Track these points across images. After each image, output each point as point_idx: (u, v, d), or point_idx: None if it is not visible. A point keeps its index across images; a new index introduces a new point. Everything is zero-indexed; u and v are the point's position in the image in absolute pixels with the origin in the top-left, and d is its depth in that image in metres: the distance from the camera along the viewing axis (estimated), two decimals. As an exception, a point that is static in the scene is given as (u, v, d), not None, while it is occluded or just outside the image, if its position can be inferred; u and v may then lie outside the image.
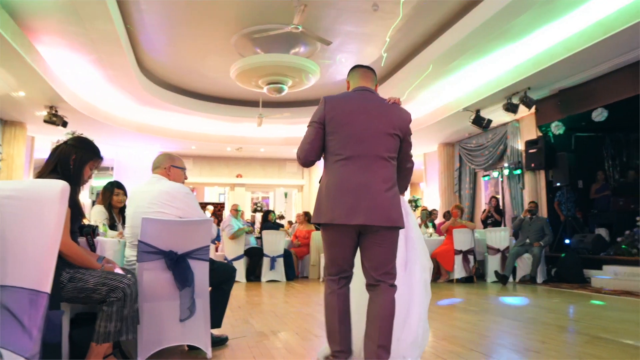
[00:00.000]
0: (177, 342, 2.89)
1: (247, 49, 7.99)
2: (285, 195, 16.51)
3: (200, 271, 3.01)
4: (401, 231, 2.58)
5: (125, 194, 4.51)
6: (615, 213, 8.19)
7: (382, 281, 2.38)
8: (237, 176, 13.72)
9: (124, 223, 4.46)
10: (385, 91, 9.18)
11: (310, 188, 14.06)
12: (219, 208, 16.01)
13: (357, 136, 2.40)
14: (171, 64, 8.77)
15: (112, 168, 12.94)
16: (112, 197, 4.40)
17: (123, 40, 6.86)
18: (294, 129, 11.92)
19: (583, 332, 3.64)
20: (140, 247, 2.84)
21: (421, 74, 8.13)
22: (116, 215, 4.46)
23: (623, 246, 7.02)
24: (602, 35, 5.96)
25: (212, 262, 3.35)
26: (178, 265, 2.90)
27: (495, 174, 10.21)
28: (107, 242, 3.13)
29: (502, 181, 10.19)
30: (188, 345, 3.14)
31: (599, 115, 7.34)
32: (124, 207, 4.53)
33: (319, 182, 2.55)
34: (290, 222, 11.36)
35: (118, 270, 2.61)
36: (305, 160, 2.53)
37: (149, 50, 8.18)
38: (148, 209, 2.94)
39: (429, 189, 13.10)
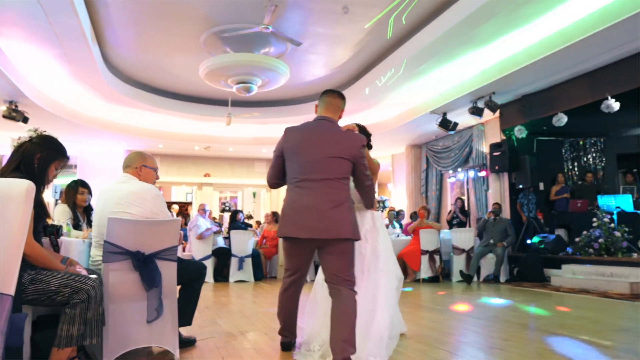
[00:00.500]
0: (144, 344, 2.85)
1: (217, 48, 7.91)
2: (254, 195, 16.39)
3: (168, 272, 2.98)
4: (369, 243, 3.20)
5: (90, 192, 4.41)
6: (573, 214, 8.53)
7: (342, 286, 2.69)
8: (205, 175, 13.55)
9: (88, 222, 4.38)
10: (354, 92, 9.27)
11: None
12: (185, 207, 15.79)
13: (308, 163, 2.77)
14: (138, 61, 8.59)
15: (75, 166, 12.57)
16: (77, 196, 4.29)
17: (88, 35, 6.68)
18: (263, 128, 11.87)
19: (543, 329, 3.78)
20: (106, 248, 2.79)
21: (390, 76, 8.24)
22: (80, 215, 4.36)
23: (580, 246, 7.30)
24: (562, 45, 6.20)
25: (181, 261, 3.32)
26: (145, 266, 2.87)
27: (460, 175, 10.45)
28: (72, 242, 3.05)
29: (467, 183, 10.44)
30: (156, 347, 3.10)
31: (559, 120, 7.63)
32: (89, 206, 4.43)
33: (284, 200, 2.92)
34: (258, 222, 11.30)
35: (82, 272, 2.56)
36: (269, 183, 3.05)
37: (115, 46, 7.99)
38: (115, 209, 2.89)
39: (397, 189, 13.27)
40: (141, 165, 3.15)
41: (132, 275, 2.83)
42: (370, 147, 3.67)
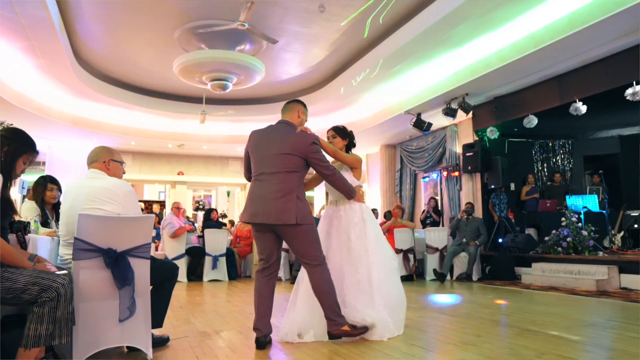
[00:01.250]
0: (116, 344, 2.78)
1: (191, 44, 7.80)
2: (228, 193, 16.27)
3: (141, 269, 2.92)
4: (359, 238, 3.53)
5: (59, 189, 4.29)
6: (542, 214, 8.74)
7: (306, 263, 3.24)
8: (178, 174, 13.34)
9: (57, 220, 4.25)
10: (329, 91, 9.29)
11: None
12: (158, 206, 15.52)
13: (262, 158, 3.26)
14: (111, 55, 8.39)
15: (43, 162, 12.21)
16: (45, 192, 4.17)
17: (58, 28, 6.49)
18: (237, 126, 11.77)
19: (514, 325, 3.86)
20: (76, 245, 2.71)
21: (365, 76, 8.27)
22: (49, 212, 4.23)
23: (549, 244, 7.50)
24: (532, 48, 6.36)
25: (154, 260, 3.25)
26: (117, 264, 2.80)
27: (434, 175, 10.58)
28: (40, 239, 2.96)
29: (440, 183, 10.58)
30: (127, 347, 3.04)
31: (529, 122, 7.81)
32: (58, 203, 4.30)
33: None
34: (232, 222, 11.19)
35: (52, 269, 2.48)
36: (245, 176, 3.52)
37: (86, 40, 7.79)
38: (85, 205, 2.81)
39: (371, 189, 13.35)
40: (109, 160, 3.08)
41: (104, 273, 2.76)
42: (353, 145, 4.05)
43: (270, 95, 10.42)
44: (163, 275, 3.33)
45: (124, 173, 3.19)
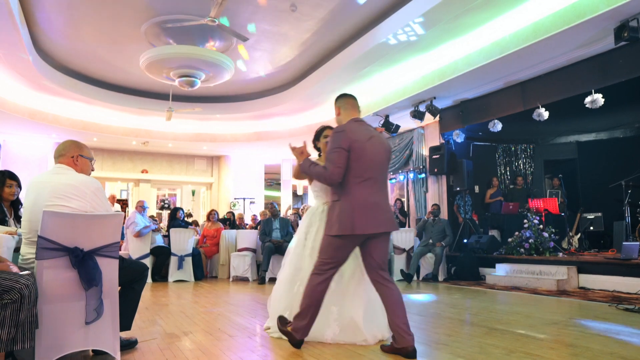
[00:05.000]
0: (82, 347, 2.66)
1: (159, 39, 7.63)
2: (193, 193, 15.97)
3: (109, 269, 2.81)
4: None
5: (18, 185, 4.08)
6: (505, 216, 8.99)
7: (386, 273, 3.06)
8: (142, 172, 13.00)
9: (16, 217, 4.05)
10: (297, 91, 9.26)
11: (219, 186, 13.73)
12: (121, 204, 15.08)
13: (373, 162, 2.98)
14: (72, 47, 8.10)
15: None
16: (4, 189, 3.94)
17: (17, 16, 6.21)
18: (204, 124, 11.59)
19: (482, 325, 3.93)
20: (40, 243, 2.58)
21: (334, 77, 8.29)
22: (7, 209, 4.01)
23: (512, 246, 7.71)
24: (498, 55, 6.54)
25: (122, 260, 3.14)
26: (84, 263, 2.68)
27: (401, 177, 10.72)
28: (-1, 238, 2.80)
29: (407, 184, 10.72)
30: (94, 350, 2.92)
31: (494, 126, 8.02)
32: (17, 200, 4.10)
33: (334, 200, 3.04)
34: (196, 222, 10.94)
35: (14, 269, 2.35)
36: (336, 178, 2.94)
37: (47, 30, 7.49)
38: (50, 202, 2.68)
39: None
40: (77, 155, 2.94)
41: (69, 273, 2.64)
42: None
43: (237, 94, 10.31)
44: (132, 276, 3.22)
45: (92, 170, 3.06)
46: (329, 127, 3.62)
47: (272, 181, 18.34)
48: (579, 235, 9.01)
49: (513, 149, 10.39)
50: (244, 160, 13.93)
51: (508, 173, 10.35)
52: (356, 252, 3.17)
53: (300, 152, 3.19)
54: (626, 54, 5.99)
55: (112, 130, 11.14)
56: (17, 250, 3.07)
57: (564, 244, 8.77)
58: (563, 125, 9.83)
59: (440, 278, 7.94)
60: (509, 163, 10.39)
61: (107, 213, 2.85)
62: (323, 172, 2.95)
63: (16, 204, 4.10)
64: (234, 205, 13.22)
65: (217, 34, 7.48)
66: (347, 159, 2.91)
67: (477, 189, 9.87)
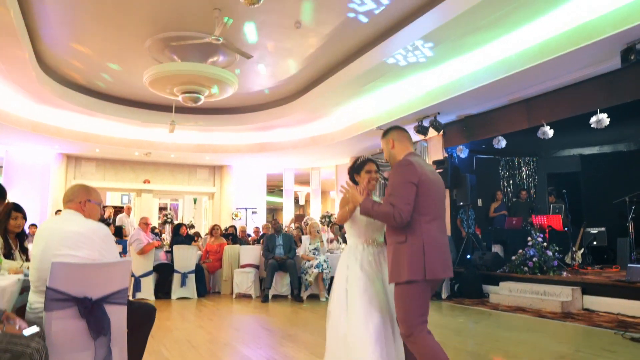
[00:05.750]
0: (90, 398, 2.64)
1: (163, 54, 7.60)
2: (195, 201, 15.97)
3: (118, 316, 2.78)
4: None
5: (24, 217, 4.05)
6: (509, 231, 8.97)
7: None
8: (144, 182, 12.97)
9: (21, 250, 4.03)
10: (301, 104, 9.23)
11: (221, 196, 13.71)
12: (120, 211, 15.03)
13: (440, 201, 2.78)
14: (76, 61, 8.07)
15: (0, 167, 11.66)
16: (9, 221, 3.92)
17: (20, 32, 6.19)
18: (207, 136, 11.57)
19: (488, 358, 3.91)
20: (49, 295, 2.55)
21: (337, 91, 8.27)
22: (12, 241, 3.99)
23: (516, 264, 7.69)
24: (504, 73, 6.52)
25: (131, 304, 3.13)
26: (93, 313, 2.65)
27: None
28: (3, 282, 2.77)
29: (410, 197, 10.70)
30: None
31: (498, 143, 8.00)
32: (22, 232, 4.07)
33: (399, 241, 2.68)
34: (198, 234, 10.89)
35: (23, 325, 2.32)
36: (407, 220, 2.61)
37: (50, 45, 7.46)
38: (59, 251, 2.65)
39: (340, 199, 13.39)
40: (85, 200, 2.91)
41: (78, 323, 2.61)
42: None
43: (241, 106, 10.28)
44: (140, 319, 3.18)
45: (102, 215, 3.05)
46: (371, 160, 3.25)
47: (274, 188, 18.33)
48: (582, 250, 8.99)
49: (516, 161, 10.37)
50: (246, 170, 13.92)
51: (511, 186, 10.33)
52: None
53: (359, 193, 2.81)
54: (633, 74, 5.98)
55: (114, 141, 11.12)
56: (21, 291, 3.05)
57: (567, 259, 8.76)
58: (566, 138, 9.80)
59: (444, 295, 7.91)
60: (512, 176, 10.37)
61: (115, 260, 2.83)
62: (391, 210, 2.59)
63: (22, 236, 4.08)
64: (236, 216, 13.20)
65: (220, 49, 7.45)
66: (415, 195, 2.63)
67: (480, 202, 9.85)
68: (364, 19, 6.44)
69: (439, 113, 8.30)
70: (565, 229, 8.99)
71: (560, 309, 6.31)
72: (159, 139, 11.39)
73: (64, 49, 7.57)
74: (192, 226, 12.08)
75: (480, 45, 6.50)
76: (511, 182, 10.34)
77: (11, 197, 11.32)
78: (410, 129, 8.87)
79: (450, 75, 7.46)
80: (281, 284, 7.92)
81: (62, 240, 2.69)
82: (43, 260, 2.66)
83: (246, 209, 13.08)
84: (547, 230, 8.29)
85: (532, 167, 10.36)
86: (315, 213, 13.79)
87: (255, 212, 13.27)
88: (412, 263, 2.61)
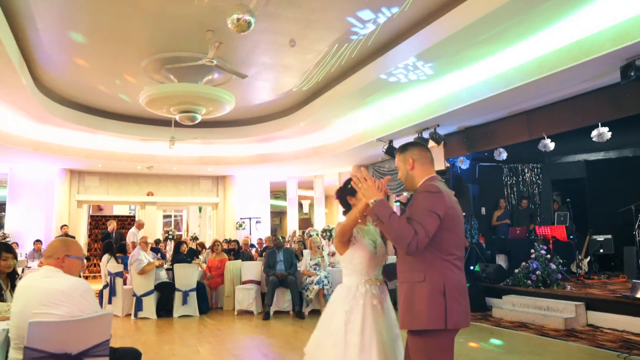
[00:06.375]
0: None
1: (159, 73, 7.59)
2: (200, 209, 16.00)
3: (99, 370, 2.77)
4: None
5: (15, 257, 4.05)
6: (513, 241, 8.85)
7: None
8: (147, 194, 13.01)
9: (12, 289, 4.02)
10: (301, 117, 9.17)
11: (225, 206, 13.71)
12: (127, 222, 15.11)
13: (462, 237, 2.43)
14: (74, 82, 8.10)
15: (5, 182, 11.78)
16: (0, 262, 3.92)
17: (15, 60, 6.21)
18: (208, 148, 11.57)
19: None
20: (26, 354, 2.54)
21: (337, 104, 8.21)
22: (3, 282, 3.99)
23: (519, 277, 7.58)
24: (503, 88, 6.41)
25: (114, 351, 3.11)
26: (73, 368, 2.64)
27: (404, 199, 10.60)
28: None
29: (413, 206, 10.61)
30: None
31: (500, 154, 7.89)
32: (13, 272, 4.07)
33: (416, 280, 2.30)
34: (202, 245, 10.88)
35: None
36: (419, 251, 2.23)
37: (48, 68, 7.49)
38: (37, 310, 2.63)
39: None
40: (64, 256, 2.88)
41: (59, 380, 2.60)
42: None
43: (241, 119, 10.26)
44: (124, 364, 3.19)
45: (83, 267, 3.02)
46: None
47: (280, 192, 18.30)
48: (588, 258, 8.85)
49: (520, 168, 10.23)
50: (249, 179, 13.91)
51: (515, 193, 10.20)
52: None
53: (376, 187, 2.35)
54: (635, 88, 5.84)
55: (116, 156, 11.16)
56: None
57: (573, 268, 8.64)
58: (571, 144, 9.65)
59: (447, 309, 7.82)
60: (516, 183, 10.23)
61: (95, 314, 2.81)
62: (410, 232, 2.18)
63: (12, 276, 4.08)
64: (240, 226, 13.19)
65: (215, 69, 7.42)
66: (437, 228, 2.27)
67: (483, 210, 9.74)
68: (359, 36, 6.38)
69: (438, 125, 8.20)
70: (571, 237, 8.87)
71: (564, 326, 6.20)
72: (161, 152, 11.41)
73: (62, 71, 7.60)
74: (195, 238, 12.09)
75: (478, 59, 6.40)
76: (515, 189, 10.20)
77: (16, 214, 11.45)
78: (407, 140, 8.78)
79: (449, 89, 7.37)
80: (282, 300, 7.89)
81: (41, 298, 2.67)
82: (22, 319, 2.65)
83: (250, 218, 13.07)
84: (551, 241, 8.16)
85: (536, 173, 10.21)
86: (319, 220, 13.76)
87: (260, 222, 13.25)
88: (432, 308, 2.23)
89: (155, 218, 13.37)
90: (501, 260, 8.92)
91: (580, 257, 8.78)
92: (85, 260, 3.02)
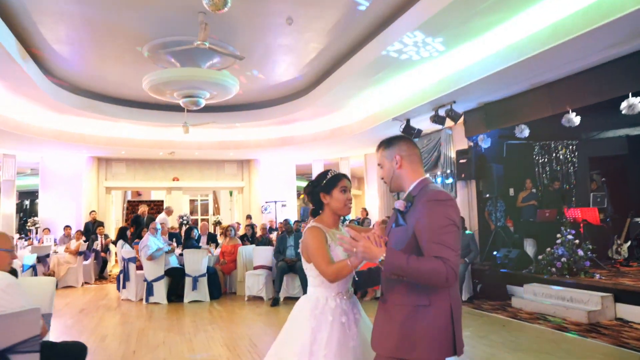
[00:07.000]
0: None
1: (161, 59, 7.48)
2: (231, 193, 16.09)
3: (28, 366, 2.66)
4: None
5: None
6: (542, 224, 8.20)
7: None
8: (173, 179, 13.15)
9: None
10: (312, 99, 8.85)
11: (250, 189, 13.66)
12: (158, 208, 15.37)
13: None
14: (86, 73, 8.18)
15: (33, 169, 12.25)
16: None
17: (13, 53, 6.26)
18: (228, 132, 11.49)
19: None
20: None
21: (347, 84, 7.81)
22: None
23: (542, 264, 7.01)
24: (516, 59, 5.82)
25: (53, 346, 3.01)
26: (-5, 365, 2.55)
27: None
28: None
29: (436, 188, 10.09)
30: None
31: (522, 132, 7.26)
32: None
33: (420, 304, 1.95)
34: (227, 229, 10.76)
35: None
36: (457, 278, 1.86)
37: (55, 60, 7.57)
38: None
39: (369, 189, 12.97)
40: (-11, 249, 2.79)
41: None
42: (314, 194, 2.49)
43: (256, 101, 10.06)
44: (67, 360, 3.08)
45: (13, 258, 2.92)
46: (345, 176, 2.47)
47: (308, 175, 18.10)
48: (628, 243, 8.08)
49: (553, 145, 9.44)
50: (274, 163, 13.76)
51: (548, 173, 9.44)
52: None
53: (374, 243, 1.97)
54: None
55: (137, 143, 11.29)
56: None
57: (610, 253, 7.93)
58: (611, 118, 8.76)
59: (464, 297, 7.37)
60: (548, 162, 9.46)
61: (20, 310, 2.70)
62: (441, 267, 1.80)
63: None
64: (266, 209, 13.13)
65: (216, 52, 7.21)
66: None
67: (511, 191, 9.09)
68: (361, 7, 5.97)
69: (454, 102, 7.64)
70: (608, 220, 8.13)
71: (587, 320, 5.65)
72: (180, 138, 11.42)
73: (70, 63, 7.68)
74: (219, 223, 12.13)
75: (486, 29, 5.82)
76: (547, 168, 9.44)
77: (48, 201, 11.88)
78: (426, 119, 8.29)
79: (462, 63, 6.82)
80: (292, 285, 7.72)
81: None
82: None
83: (275, 202, 12.95)
84: (581, 225, 7.48)
85: (571, 150, 9.39)
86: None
87: (285, 205, 13.12)
88: (440, 336, 1.90)
89: (181, 203, 13.51)
90: (529, 245, 8.32)
91: (619, 241, 8.03)
92: (15, 253, 2.90)
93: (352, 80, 7.64)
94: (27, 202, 15.78)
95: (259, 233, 10.00)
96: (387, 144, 2.19)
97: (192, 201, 16.30)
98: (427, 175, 2.18)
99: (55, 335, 5.77)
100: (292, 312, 2.43)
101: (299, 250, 2.51)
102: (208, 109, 10.01)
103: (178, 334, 5.76)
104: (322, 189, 2.43)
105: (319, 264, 2.27)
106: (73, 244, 9.72)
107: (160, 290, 7.72)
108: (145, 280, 7.75)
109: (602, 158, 9.32)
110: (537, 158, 9.48)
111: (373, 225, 2.18)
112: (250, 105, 10.19)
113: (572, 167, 9.36)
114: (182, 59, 7.37)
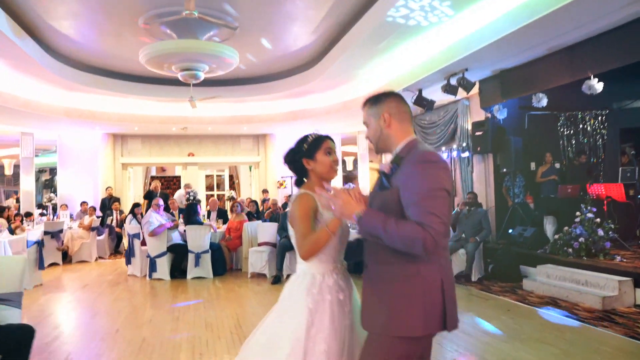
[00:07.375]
0: None
1: (159, 32, 7.25)
2: (250, 168, 15.98)
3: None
4: None
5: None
6: (563, 201, 7.64)
7: None
8: (188, 155, 13.10)
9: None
10: (319, 71, 8.47)
11: (266, 164, 13.47)
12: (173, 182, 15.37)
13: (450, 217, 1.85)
14: (87, 47, 8.05)
15: (55, 149, 12.43)
16: None
17: (8, 31, 6.17)
18: (240, 107, 11.26)
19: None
20: None
21: (353, 54, 7.38)
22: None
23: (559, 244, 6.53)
24: (527, 19, 5.24)
25: (-4, 332, 2.89)
26: None
27: (444, 155, 9.62)
28: None
29: (452, 163, 9.60)
30: None
31: (539, 101, 6.68)
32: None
33: (409, 273, 1.78)
34: (232, 205, 10.59)
35: None
36: (444, 237, 1.71)
37: (58, 38, 7.50)
38: None
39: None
40: None
41: None
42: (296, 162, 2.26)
43: (263, 74, 9.74)
44: (15, 344, 2.97)
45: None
46: (328, 137, 2.24)
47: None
48: (660, 222, 7.45)
49: (580, 116, 8.73)
50: (290, 137, 13.40)
51: (574, 146, 8.77)
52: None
53: (353, 199, 1.82)
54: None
55: (149, 119, 11.21)
56: None
57: (639, 233, 7.34)
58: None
59: (474, 278, 6.98)
60: (575, 134, 8.77)
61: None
62: (420, 233, 1.64)
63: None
64: (282, 185, 12.95)
65: (214, 23, 6.91)
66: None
67: (532, 166, 8.51)
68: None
69: (467, 69, 7.09)
70: (639, 197, 7.50)
71: (601, 306, 5.21)
72: (192, 113, 11.26)
73: (70, 39, 7.55)
74: (232, 198, 12.02)
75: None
76: (573, 141, 8.76)
77: (66, 178, 12.06)
78: (438, 89, 7.77)
79: (471, 27, 6.25)
80: (294, 263, 7.51)
81: None
82: None
83: (291, 177, 12.70)
84: (605, 202, 6.90)
85: (600, 121, 8.66)
86: (363, 177, 13.13)
87: (301, 180, 12.87)
88: (428, 309, 1.76)
89: (197, 179, 13.48)
90: (549, 224, 7.76)
91: (648, 221, 7.42)
92: None
93: (358, 49, 7.19)
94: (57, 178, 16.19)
95: (270, 209, 9.81)
96: (374, 100, 1.97)
97: (208, 177, 16.27)
98: (417, 136, 1.95)
99: (47, 310, 5.83)
100: (283, 292, 2.18)
101: None
102: (216, 82, 9.80)
103: (168, 312, 5.68)
104: (304, 155, 2.20)
105: (296, 237, 2.04)
106: (87, 220, 9.84)
107: (163, 266, 7.70)
108: (148, 256, 7.74)
109: (635, 129, 8.56)
110: (562, 130, 8.80)
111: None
112: (260, 78, 9.89)
113: (600, 140, 8.65)
114: (178, 31, 7.11)
